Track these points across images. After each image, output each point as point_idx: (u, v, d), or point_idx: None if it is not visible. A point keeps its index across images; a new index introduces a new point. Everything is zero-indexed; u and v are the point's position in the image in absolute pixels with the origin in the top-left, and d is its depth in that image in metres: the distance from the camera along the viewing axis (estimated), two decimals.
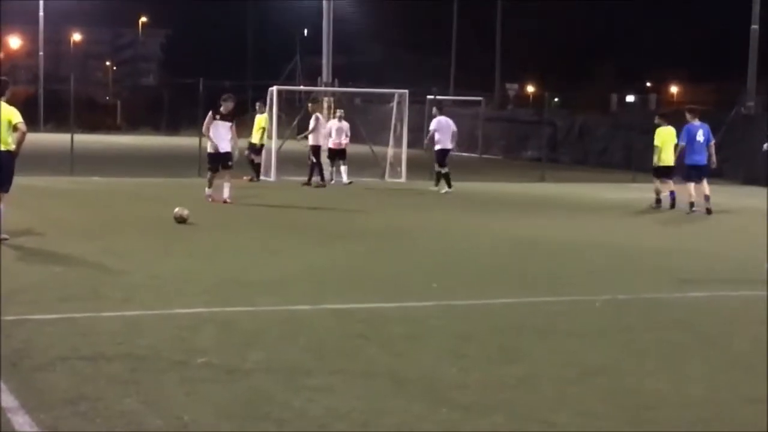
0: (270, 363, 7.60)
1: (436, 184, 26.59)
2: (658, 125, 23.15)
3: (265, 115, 28.82)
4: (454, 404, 6.67)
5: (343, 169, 28.30)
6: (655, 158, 22.88)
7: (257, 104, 29.61)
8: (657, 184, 22.91)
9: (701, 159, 22.09)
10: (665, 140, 22.80)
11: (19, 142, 14.27)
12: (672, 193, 22.56)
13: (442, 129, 26.33)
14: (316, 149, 27.24)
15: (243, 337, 8.49)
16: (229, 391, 6.82)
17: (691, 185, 21.91)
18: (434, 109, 27.52)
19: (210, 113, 21.38)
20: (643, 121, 35.23)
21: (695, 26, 72.54)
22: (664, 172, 22.88)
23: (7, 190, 14.38)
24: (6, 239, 13.99)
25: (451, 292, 11.13)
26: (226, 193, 21.00)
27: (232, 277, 11.55)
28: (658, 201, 22.91)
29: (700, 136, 22.03)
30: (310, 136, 27.28)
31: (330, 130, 28.19)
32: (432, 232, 17.44)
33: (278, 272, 12.08)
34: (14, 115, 14.19)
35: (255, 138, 28.47)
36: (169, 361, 7.53)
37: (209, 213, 18.93)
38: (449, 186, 25.99)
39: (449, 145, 26.48)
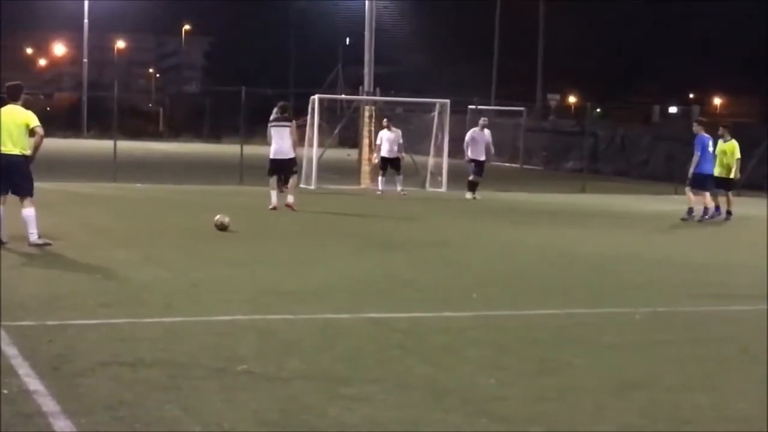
0: (308, 371, 7.62)
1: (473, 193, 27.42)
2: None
3: None
4: (492, 416, 6.66)
5: (399, 179, 28.34)
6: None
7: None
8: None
9: (711, 168, 22.92)
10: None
11: (36, 146, 14.21)
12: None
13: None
14: None
15: (282, 345, 8.51)
16: (267, 399, 6.83)
17: (689, 191, 22.76)
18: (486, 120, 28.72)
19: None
20: (685, 133, 34.94)
21: (739, 37, 72.01)
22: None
23: (31, 194, 14.26)
24: (50, 244, 14.08)
25: (490, 303, 11.11)
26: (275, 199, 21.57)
27: (271, 285, 11.59)
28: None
29: (710, 147, 22.77)
30: None
31: (381, 140, 28.45)
32: (472, 242, 17.42)
33: (317, 281, 12.10)
34: (31, 119, 14.10)
35: None
36: (208, 369, 7.56)
37: (250, 221, 18.99)
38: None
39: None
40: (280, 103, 22.48)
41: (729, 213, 23.41)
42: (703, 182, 22.72)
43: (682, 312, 11.03)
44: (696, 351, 8.99)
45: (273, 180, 21.84)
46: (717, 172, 23.46)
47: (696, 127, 23.06)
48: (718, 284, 13.26)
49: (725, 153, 23.63)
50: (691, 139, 23.02)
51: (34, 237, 14.04)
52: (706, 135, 22.78)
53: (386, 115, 30.88)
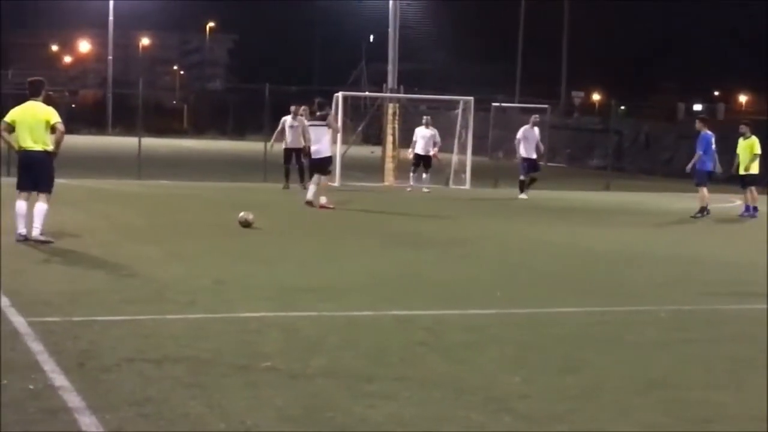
0: (332, 369, 7.63)
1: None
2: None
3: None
4: (515, 413, 6.66)
5: (425, 177, 28.38)
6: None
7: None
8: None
9: (711, 165, 23.17)
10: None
11: (58, 142, 14.23)
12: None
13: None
14: (287, 152, 26.76)
15: (306, 342, 8.53)
16: (291, 396, 6.85)
17: (705, 190, 22.85)
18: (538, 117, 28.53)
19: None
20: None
21: (765, 34, 71.58)
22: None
23: (49, 191, 14.29)
24: (51, 242, 13.99)
25: (513, 301, 11.10)
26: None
27: (295, 282, 11.61)
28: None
29: (713, 144, 23.02)
30: (284, 140, 26.67)
31: (416, 136, 28.45)
32: (495, 239, 17.40)
33: (341, 278, 12.13)
34: (52, 115, 14.11)
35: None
36: (232, 365, 7.59)
37: (274, 218, 19.04)
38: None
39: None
40: (317, 99, 22.55)
41: (755, 209, 23.38)
42: (703, 179, 22.84)
43: (705, 310, 11.00)
44: (719, 349, 8.96)
45: (315, 176, 21.91)
46: (741, 169, 23.55)
47: (699, 125, 23.26)
48: (741, 282, 13.19)
49: (746, 150, 23.64)
50: (715, 138, 23.01)
51: (37, 232, 14.00)
52: (709, 132, 22.92)
53: (406, 112, 30.94)
